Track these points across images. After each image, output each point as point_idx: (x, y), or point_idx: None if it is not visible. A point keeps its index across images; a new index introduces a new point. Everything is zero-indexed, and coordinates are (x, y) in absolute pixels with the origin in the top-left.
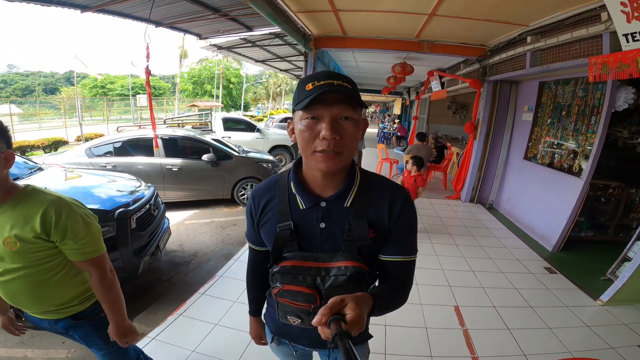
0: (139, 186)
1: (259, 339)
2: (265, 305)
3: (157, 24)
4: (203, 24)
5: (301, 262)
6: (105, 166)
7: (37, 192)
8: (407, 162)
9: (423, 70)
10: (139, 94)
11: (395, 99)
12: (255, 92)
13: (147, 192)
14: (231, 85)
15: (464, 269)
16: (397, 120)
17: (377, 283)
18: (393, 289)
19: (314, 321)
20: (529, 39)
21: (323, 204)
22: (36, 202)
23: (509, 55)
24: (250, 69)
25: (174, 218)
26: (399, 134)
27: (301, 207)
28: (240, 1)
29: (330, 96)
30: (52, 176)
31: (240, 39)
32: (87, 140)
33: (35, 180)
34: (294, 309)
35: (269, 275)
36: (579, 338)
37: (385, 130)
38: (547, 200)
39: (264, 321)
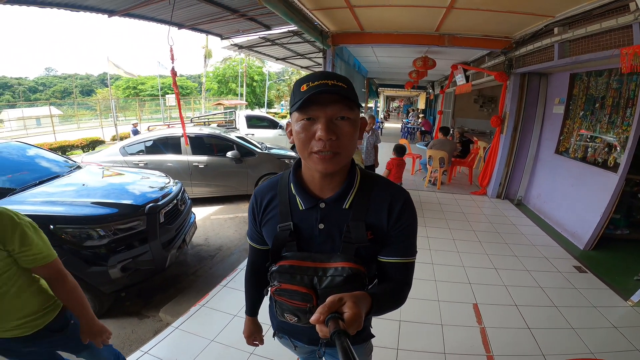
0: (168, 183)
1: (251, 339)
2: (268, 302)
3: (180, 25)
4: (223, 25)
5: (299, 261)
6: (137, 164)
7: None
8: (430, 156)
9: (446, 64)
10: (167, 93)
11: (420, 93)
12: (278, 90)
13: (175, 188)
14: (254, 84)
15: (487, 266)
16: (421, 115)
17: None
18: (392, 290)
19: (312, 319)
20: (556, 30)
21: (322, 205)
22: None
23: (536, 47)
24: (272, 67)
25: (201, 213)
26: (423, 128)
27: (301, 208)
28: (257, 1)
29: (325, 96)
30: (90, 174)
31: (259, 38)
32: (121, 139)
33: (75, 178)
34: (291, 307)
35: (268, 274)
36: (603, 339)
37: (409, 125)
38: (580, 196)
39: (269, 317)
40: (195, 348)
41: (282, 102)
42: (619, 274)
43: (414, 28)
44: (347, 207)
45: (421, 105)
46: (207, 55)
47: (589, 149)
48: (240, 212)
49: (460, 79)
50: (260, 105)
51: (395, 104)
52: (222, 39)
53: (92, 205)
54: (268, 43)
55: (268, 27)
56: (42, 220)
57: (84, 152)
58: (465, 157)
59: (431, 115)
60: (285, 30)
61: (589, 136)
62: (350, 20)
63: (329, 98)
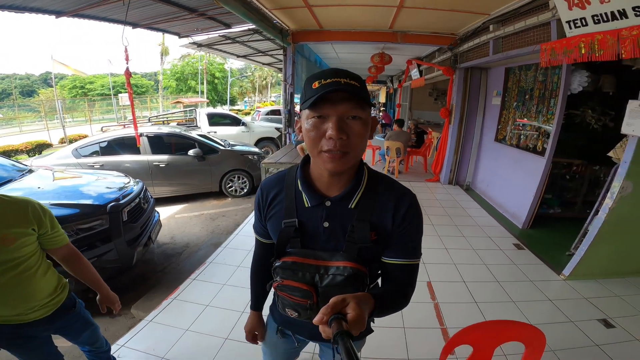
0: (128, 182)
1: (251, 334)
2: (272, 297)
3: (134, 25)
4: (181, 24)
5: (302, 258)
6: (93, 165)
7: (4, 196)
8: (387, 147)
9: (402, 59)
10: (120, 92)
11: (380, 88)
12: (241, 86)
13: (136, 187)
14: (216, 80)
15: (439, 247)
16: (382, 109)
17: (379, 282)
18: (394, 291)
19: (315, 320)
20: (491, 27)
21: (328, 204)
22: (15, 201)
23: (475, 44)
24: (234, 63)
25: (165, 212)
26: (383, 121)
27: (306, 205)
28: (214, 2)
29: (336, 95)
30: (42, 177)
31: (220, 36)
32: (71, 142)
33: (28, 182)
34: (292, 303)
35: (271, 269)
36: (540, 311)
37: None
38: (517, 179)
39: (270, 312)
40: (171, 338)
41: (246, 99)
42: (553, 250)
43: (369, 26)
44: (353, 206)
45: (382, 99)
46: (164, 53)
47: (522, 136)
48: (205, 210)
49: (415, 73)
50: (223, 102)
51: None
52: (180, 37)
53: (51, 207)
54: (228, 41)
55: (228, 26)
56: None
57: (29, 156)
58: (420, 147)
59: (391, 108)
60: (246, 28)
61: (521, 125)
62: (309, 19)
63: (341, 96)
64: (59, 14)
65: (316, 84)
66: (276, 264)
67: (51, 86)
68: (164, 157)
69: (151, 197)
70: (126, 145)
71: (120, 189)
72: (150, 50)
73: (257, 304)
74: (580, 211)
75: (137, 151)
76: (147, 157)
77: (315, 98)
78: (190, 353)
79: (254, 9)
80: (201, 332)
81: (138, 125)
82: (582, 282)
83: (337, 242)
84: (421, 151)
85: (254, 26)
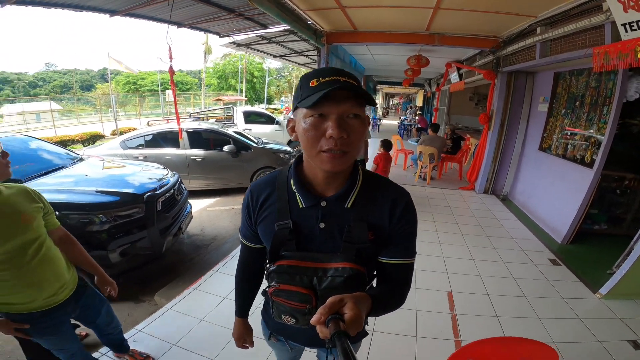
0: (166, 174)
1: (241, 341)
2: (263, 303)
3: (179, 24)
4: (221, 24)
5: (298, 261)
6: (137, 157)
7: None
8: (420, 152)
9: (440, 62)
10: (167, 89)
11: (418, 91)
12: (278, 86)
13: (172, 179)
14: (254, 80)
15: (465, 257)
16: (418, 112)
17: (374, 283)
18: (391, 291)
19: (313, 320)
20: (538, 29)
21: (323, 204)
22: (16, 187)
23: (520, 47)
24: (272, 63)
25: (198, 205)
26: (419, 125)
27: (301, 206)
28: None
29: (339, 93)
30: (91, 165)
31: (257, 36)
32: (121, 134)
33: (77, 170)
34: (289, 308)
35: (265, 274)
36: (566, 329)
37: (406, 122)
38: (560, 191)
39: (262, 317)
40: (186, 326)
41: (282, 98)
42: (592, 268)
43: (405, 27)
44: (349, 206)
45: (419, 102)
46: (207, 52)
47: (569, 146)
48: (235, 205)
49: (454, 77)
50: (260, 101)
51: (395, 101)
52: (220, 36)
53: (95, 194)
54: (265, 41)
55: (265, 26)
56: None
57: (84, 146)
58: (456, 154)
59: (428, 112)
60: (282, 29)
61: (569, 133)
62: (343, 20)
63: (343, 95)
64: (112, 12)
65: (314, 82)
66: (271, 269)
67: (107, 81)
68: (201, 152)
69: (185, 189)
70: (168, 139)
71: (159, 180)
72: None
73: (242, 311)
74: (630, 228)
75: (177, 145)
76: (185, 151)
77: (319, 96)
78: (201, 342)
79: (288, 10)
80: (215, 323)
81: (180, 120)
82: (618, 302)
83: (334, 243)
84: (457, 158)
85: (289, 27)
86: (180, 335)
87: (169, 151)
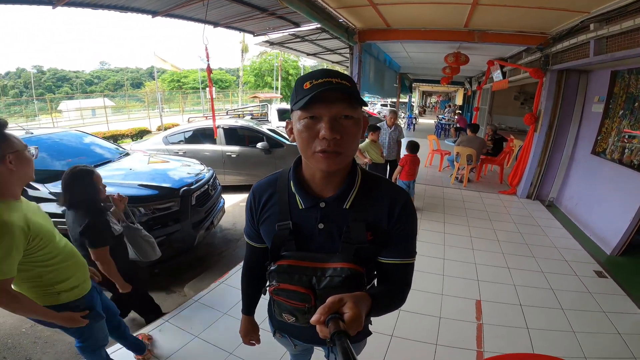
0: (202, 169)
1: (248, 338)
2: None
3: (215, 24)
4: (254, 23)
5: (298, 261)
6: (177, 152)
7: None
8: (457, 153)
9: (481, 59)
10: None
11: (457, 89)
12: None
13: (207, 175)
14: (290, 77)
15: (499, 265)
16: (457, 111)
17: (374, 283)
18: (391, 291)
19: (313, 319)
20: (591, 26)
21: (322, 205)
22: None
23: (572, 44)
24: (307, 61)
25: (231, 200)
26: (458, 125)
27: (300, 207)
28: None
29: (329, 94)
30: (136, 160)
31: (289, 34)
32: (165, 129)
33: (124, 164)
34: (289, 307)
35: (265, 273)
36: (602, 344)
37: (444, 122)
38: (614, 199)
39: (268, 314)
40: (209, 319)
41: None
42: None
43: (440, 24)
44: (347, 207)
45: (459, 101)
46: (244, 50)
47: (627, 150)
48: None
49: (497, 75)
50: None
51: (432, 100)
52: (254, 35)
53: (137, 187)
54: (298, 39)
55: (297, 24)
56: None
57: (132, 140)
58: (497, 155)
59: (468, 111)
60: (314, 27)
61: (627, 136)
62: (376, 17)
63: (333, 96)
64: (154, 13)
65: (307, 85)
66: (271, 268)
67: (155, 79)
68: (236, 148)
69: (219, 185)
70: (206, 135)
71: (196, 175)
72: (233, 48)
73: (249, 309)
74: None
75: (214, 141)
76: (221, 147)
77: (309, 98)
78: (221, 336)
79: (319, 8)
80: (237, 318)
81: (217, 117)
82: None
83: (333, 243)
84: (498, 160)
85: (320, 25)
86: (202, 328)
87: (206, 147)
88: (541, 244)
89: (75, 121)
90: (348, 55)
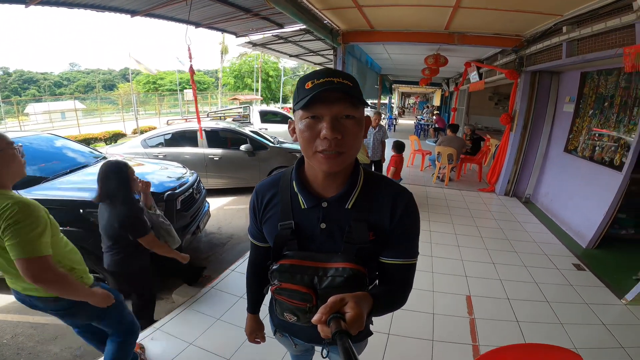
0: (185, 173)
1: (253, 336)
2: (270, 299)
3: (197, 24)
4: (238, 24)
5: (300, 261)
6: (157, 155)
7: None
8: (438, 153)
9: (459, 61)
10: (185, 88)
11: (435, 90)
12: (293, 85)
13: (191, 178)
14: (270, 79)
15: (485, 261)
16: (436, 112)
17: (376, 283)
18: (393, 291)
19: (314, 319)
20: (564, 28)
21: (324, 205)
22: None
23: (545, 46)
24: (287, 62)
25: (215, 203)
26: (436, 125)
27: (302, 207)
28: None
29: (330, 94)
30: None
31: (273, 35)
32: (142, 132)
33: (91, 169)
34: (291, 306)
35: (268, 272)
36: (590, 335)
37: (422, 122)
38: (586, 194)
39: (269, 312)
40: (203, 325)
41: None
42: (618, 273)
43: (423, 26)
44: (349, 207)
45: (436, 102)
46: (224, 51)
47: (597, 148)
48: None
49: (474, 76)
50: (276, 100)
51: (411, 101)
52: (237, 36)
53: None
54: (281, 41)
55: (281, 26)
56: (73, 205)
57: (106, 144)
58: (475, 155)
59: (446, 112)
60: (297, 28)
61: (596, 135)
62: (360, 19)
63: (334, 96)
64: (133, 13)
65: (309, 84)
66: (273, 267)
67: (129, 81)
68: (218, 151)
69: (203, 188)
70: (186, 138)
71: (178, 179)
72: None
73: (254, 307)
74: None
75: (195, 144)
76: (203, 150)
77: (309, 98)
78: (217, 342)
79: (304, 9)
80: (231, 323)
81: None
82: None
83: (334, 243)
84: (476, 159)
85: (305, 26)
86: (196, 334)
87: (187, 150)
88: (521, 239)
89: (43, 125)
90: (330, 57)
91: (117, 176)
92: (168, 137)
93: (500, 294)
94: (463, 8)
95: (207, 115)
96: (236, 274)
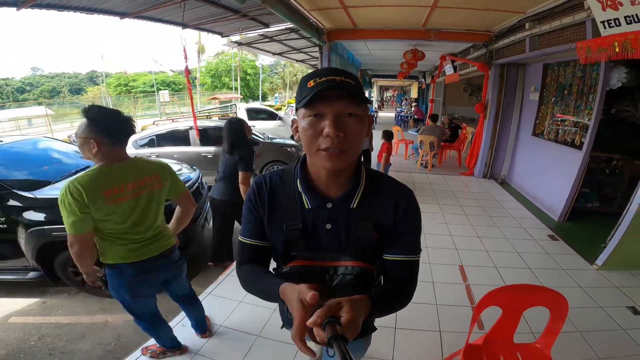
0: (188, 170)
1: (301, 303)
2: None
3: (185, 25)
4: (225, 24)
5: (309, 261)
6: (149, 156)
7: (144, 160)
8: (420, 141)
9: (435, 55)
10: (160, 89)
11: (412, 83)
12: (271, 82)
13: (194, 174)
14: (248, 77)
15: (471, 235)
16: (414, 104)
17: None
18: (395, 290)
19: (310, 321)
20: (527, 25)
21: (329, 205)
22: (152, 163)
23: (511, 41)
24: (265, 59)
25: None
26: (416, 116)
27: (307, 207)
28: (258, 2)
29: (332, 92)
30: None
31: (258, 35)
32: None
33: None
34: None
35: (277, 276)
36: (571, 296)
37: (402, 114)
38: (554, 173)
39: (279, 306)
40: (227, 308)
41: (276, 95)
42: (588, 242)
43: (402, 24)
44: (354, 206)
45: (414, 94)
46: (200, 51)
47: (560, 131)
48: None
49: (448, 69)
50: (255, 98)
51: (389, 94)
52: (222, 36)
53: None
54: (267, 40)
55: (267, 25)
56: None
57: None
58: (454, 142)
59: (424, 104)
60: (283, 27)
61: (559, 120)
62: (344, 19)
63: (336, 94)
64: (123, 15)
65: (311, 83)
66: (284, 270)
67: (97, 84)
68: (211, 149)
69: (206, 184)
70: (177, 137)
71: (184, 175)
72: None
73: (276, 285)
74: (621, 206)
75: (187, 142)
76: (196, 148)
77: (311, 96)
78: (244, 322)
79: (295, 10)
80: (253, 304)
81: (183, 119)
82: (614, 273)
83: (340, 242)
84: (455, 145)
85: (290, 25)
86: (224, 316)
87: (180, 149)
88: (501, 216)
89: (10, 132)
90: (312, 54)
91: (238, 127)
92: (160, 137)
93: (488, 263)
94: (439, 7)
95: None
96: None
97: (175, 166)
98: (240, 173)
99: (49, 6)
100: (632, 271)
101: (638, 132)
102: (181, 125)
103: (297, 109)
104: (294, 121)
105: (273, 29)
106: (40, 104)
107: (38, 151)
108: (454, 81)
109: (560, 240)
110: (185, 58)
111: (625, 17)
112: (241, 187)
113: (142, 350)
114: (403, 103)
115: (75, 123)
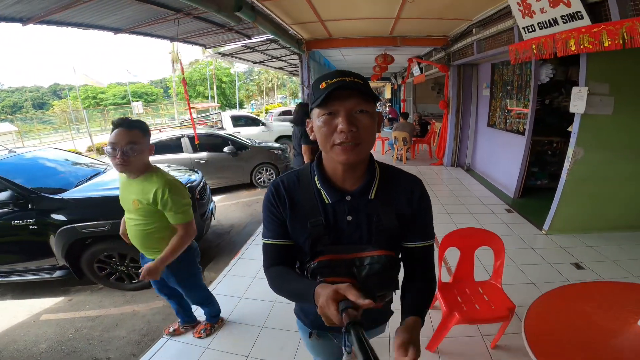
0: (191, 173)
1: (335, 293)
2: (296, 304)
3: (172, 39)
4: (210, 37)
5: (336, 255)
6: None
7: (158, 173)
8: (395, 137)
9: (403, 58)
10: (133, 101)
11: (385, 85)
12: (247, 89)
13: (197, 176)
14: (223, 85)
15: (442, 212)
16: (388, 104)
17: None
18: (424, 286)
19: (342, 285)
20: (474, 30)
21: (348, 198)
22: (154, 182)
23: (463, 44)
24: (239, 67)
25: None
26: (390, 116)
27: (327, 202)
28: (250, 22)
29: (344, 92)
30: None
31: (241, 46)
32: (98, 149)
33: (105, 177)
34: None
35: (305, 272)
36: (523, 255)
37: None
38: (507, 156)
39: (297, 317)
40: (244, 285)
41: (252, 102)
42: (537, 213)
43: (372, 33)
44: (372, 197)
45: (387, 95)
46: (175, 60)
47: (508, 121)
48: (240, 199)
49: (416, 70)
50: (232, 106)
51: None
52: (206, 48)
53: None
54: (249, 50)
55: (249, 37)
56: (111, 199)
57: None
58: (424, 137)
59: (397, 103)
60: (264, 38)
61: (506, 111)
62: (321, 30)
63: (347, 93)
64: (117, 30)
65: (323, 84)
66: (313, 266)
67: (61, 97)
68: (203, 155)
69: (207, 185)
70: (170, 146)
71: (190, 175)
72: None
73: (311, 284)
74: None
75: (180, 150)
76: (189, 155)
77: (324, 96)
78: (248, 315)
79: (278, 26)
80: (254, 298)
81: (169, 129)
82: (561, 236)
83: (361, 233)
84: (425, 140)
85: (271, 36)
86: (243, 290)
87: (174, 156)
88: (467, 196)
89: None
90: (290, 62)
91: (303, 108)
92: (156, 146)
93: None
94: (402, 19)
95: (180, 124)
96: (255, 246)
97: (182, 170)
98: (302, 146)
99: (51, 22)
100: (576, 235)
101: (569, 118)
102: (172, 134)
103: (311, 110)
104: (308, 121)
105: (255, 40)
106: (4, 120)
107: (51, 161)
108: (421, 81)
109: (515, 212)
110: (182, 71)
111: (538, 24)
112: (304, 156)
113: (183, 329)
114: (378, 103)
115: (43, 139)
